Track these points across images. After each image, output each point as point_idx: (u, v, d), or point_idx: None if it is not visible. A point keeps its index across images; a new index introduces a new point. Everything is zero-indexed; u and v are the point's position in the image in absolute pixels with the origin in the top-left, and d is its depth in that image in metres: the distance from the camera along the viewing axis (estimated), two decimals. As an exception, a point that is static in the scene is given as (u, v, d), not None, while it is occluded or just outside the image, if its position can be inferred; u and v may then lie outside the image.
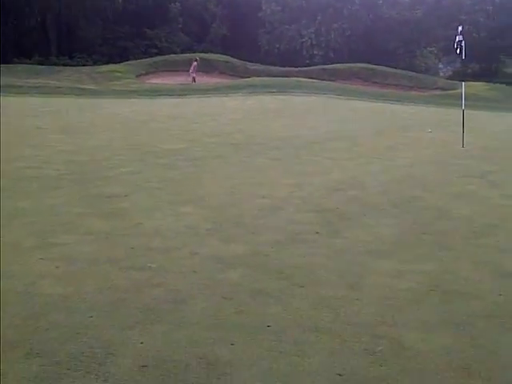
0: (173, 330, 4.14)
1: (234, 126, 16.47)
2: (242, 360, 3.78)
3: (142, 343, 3.93)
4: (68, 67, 39.50)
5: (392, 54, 49.05)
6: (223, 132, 15.15)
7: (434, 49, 50.85)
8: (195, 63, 35.55)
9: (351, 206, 7.93)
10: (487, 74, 44.92)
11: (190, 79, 34.71)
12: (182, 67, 38.20)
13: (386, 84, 38.90)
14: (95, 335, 4.00)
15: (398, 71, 41.86)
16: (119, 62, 40.93)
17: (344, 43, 48.69)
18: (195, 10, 50.49)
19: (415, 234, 6.69)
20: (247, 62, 43.54)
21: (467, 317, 4.50)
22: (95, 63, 42.69)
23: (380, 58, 46.03)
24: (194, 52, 43.20)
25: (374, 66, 41.87)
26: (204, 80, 35.11)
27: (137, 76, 37.23)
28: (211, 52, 44.99)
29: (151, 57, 43.65)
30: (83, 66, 40.95)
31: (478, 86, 33.23)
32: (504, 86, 36.36)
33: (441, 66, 53.40)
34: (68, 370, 3.59)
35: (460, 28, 14.19)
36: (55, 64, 41.56)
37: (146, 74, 38.96)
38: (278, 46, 49.86)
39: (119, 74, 36.13)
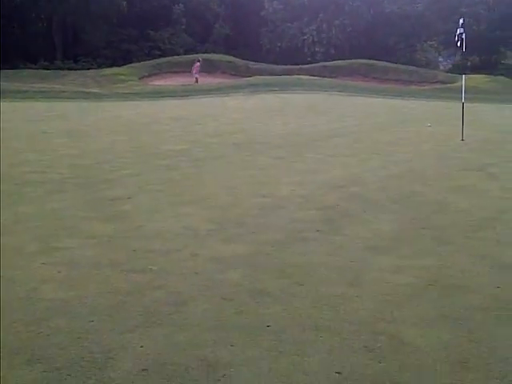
0: (173, 332, 4.17)
1: (236, 126, 16.52)
2: (242, 361, 3.80)
3: (142, 347, 3.95)
4: (73, 71, 39.79)
5: (393, 49, 49.07)
6: (225, 132, 15.20)
7: (434, 42, 50.87)
8: (198, 64, 35.64)
9: (352, 202, 7.95)
10: (487, 66, 44.84)
11: (193, 80, 34.78)
12: (185, 68, 38.36)
13: (386, 79, 38.93)
14: (96, 340, 4.04)
15: (398, 66, 41.90)
16: (123, 65, 41.19)
17: (345, 39, 48.69)
18: (198, 11, 50.63)
19: (414, 229, 6.71)
20: (249, 62, 43.66)
21: (465, 310, 4.52)
22: (99, 66, 42.93)
23: (381, 54, 46.08)
24: (196, 53, 43.40)
25: (374, 62, 41.90)
26: (207, 80, 35.20)
27: (140, 78, 37.39)
28: (214, 52, 45.17)
29: (154, 58, 43.82)
30: (88, 69, 41.20)
31: (478, 79, 33.19)
32: (504, 77, 36.28)
33: (441, 59, 53.35)
34: (68, 375, 3.62)
35: (461, 21, 14.20)
36: (60, 68, 41.85)
37: (149, 75, 39.12)
38: (279, 44, 49.93)
39: (123, 77, 36.30)
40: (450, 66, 50.46)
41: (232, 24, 52.03)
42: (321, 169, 10.39)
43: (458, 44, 14.18)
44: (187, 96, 27.62)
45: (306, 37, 49.26)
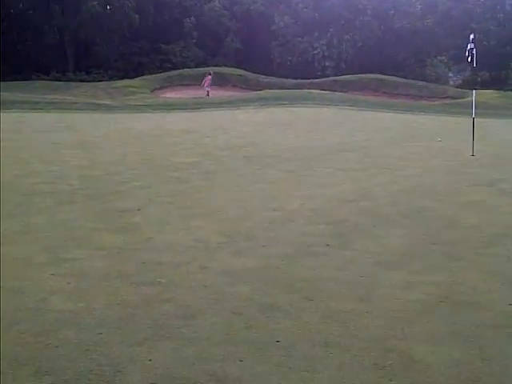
0: (182, 346, 4.14)
1: (246, 139, 16.54)
2: (251, 376, 3.77)
3: (150, 360, 3.93)
4: (84, 83, 40.09)
5: (403, 64, 49.20)
6: (235, 145, 15.22)
7: (444, 58, 50.93)
8: (209, 77, 35.78)
9: (362, 217, 7.92)
10: (497, 81, 44.77)
11: (205, 93, 34.92)
12: (196, 81, 38.52)
13: (396, 94, 38.94)
14: (104, 352, 4.02)
15: (408, 81, 41.95)
16: (135, 77, 41.43)
17: (355, 54, 48.78)
18: (209, 25, 50.94)
19: (425, 245, 6.66)
20: (260, 75, 43.82)
21: (476, 328, 4.47)
22: (111, 78, 43.23)
23: (391, 69, 46.19)
24: (207, 66, 43.61)
25: (384, 77, 41.94)
26: (217, 93, 35.32)
27: (151, 90, 37.57)
28: (225, 66, 45.32)
29: (166, 71, 44.06)
30: (99, 81, 41.49)
31: (488, 94, 33.12)
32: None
33: (451, 74, 53.32)
34: (76, 388, 3.61)
35: (472, 36, 14.20)
36: (72, 80, 42.20)
37: (161, 88, 39.31)
38: (290, 58, 50.09)
39: (134, 89, 36.48)
40: (460, 81, 50.42)
41: (243, 38, 52.29)
42: (331, 183, 10.37)
43: (469, 59, 14.17)
44: (198, 109, 27.71)
45: (316, 51, 49.40)
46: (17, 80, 38.96)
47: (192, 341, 4.22)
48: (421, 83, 42.01)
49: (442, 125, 22.56)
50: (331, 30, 49.10)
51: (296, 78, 43.06)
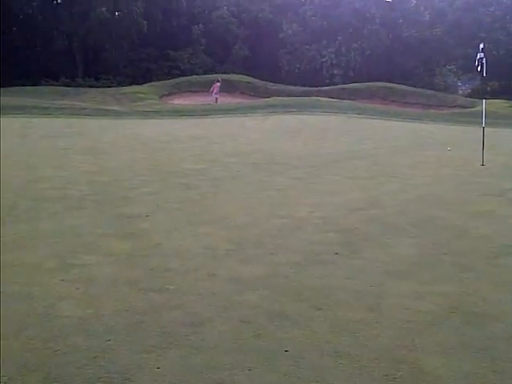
0: (190, 354, 4.13)
1: (254, 146, 16.53)
2: (259, 386, 3.76)
3: (158, 368, 3.91)
4: (93, 88, 40.22)
5: (411, 73, 49.17)
6: (243, 152, 15.21)
7: (453, 67, 50.82)
8: (218, 84, 35.85)
9: (371, 225, 7.88)
10: (507, 91, 44.56)
11: (213, 100, 34.98)
12: (204, 88, 38.59)
13: (404, 102, 38.86)
14: (112, 359, 4.00)
15: (417, 90, 41.86)
16: (143, 84, 41.53)
17: (364, 63, 48.79)
18: (217, 32, 51.09)
19: (435, 255, 6.62)
20: (268, 82, 43.87)
21: (487, 339, 4.43)
22: (120, 84, 43.36)
23: (399, 77, 46.17)
24: (215, 73, 43.71)
25: (392, 85, 41.90)
26: (226, 100, 35.39)
27: (160, 97, 37.65)
28: (233, 73, 45.41)
29: (174, 78, 44.19)
30: (108, 87, 41.60)
31: (498, 104, 33.01)
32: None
33: (460, 84, 53.17)
34: (84, 395, 3.60)
35: (481, 45, 14.17)
36: (81, 85, 42.35)
37: (169, 94, 39.40)
38: (298, 65, 50.16)
39: (142, 95, 36.56)
40: (469, 90, 50.30)
41: (251, 45, 52.42)
42: (339, 191, 10.33)
43: (479, 69, 14.13)
44: (206, 115, 27.74)
45: (324, 59, 49.45)
46: (26, 85, 39.14)
47: (200, 349, 4.20)
48: (429, 92, 41.94)
49: (451, 134, 22.49)
50: (339, 38, 49.16)
51: (304, 86, 43.09)
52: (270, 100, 33.90)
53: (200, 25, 50.44)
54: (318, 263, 6.22)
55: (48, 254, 6.30)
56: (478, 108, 26.60)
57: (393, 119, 27.73)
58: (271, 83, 43.92)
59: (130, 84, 42.84)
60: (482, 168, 13.20)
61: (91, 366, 3.90)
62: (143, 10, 47.27)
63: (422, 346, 4.32)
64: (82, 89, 39.59)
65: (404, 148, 17.02)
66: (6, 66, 44.11)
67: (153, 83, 41.67)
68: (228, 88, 38.80)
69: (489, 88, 45.33)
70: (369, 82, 42.69)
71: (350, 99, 36.72)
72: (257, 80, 44.19)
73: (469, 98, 41.17)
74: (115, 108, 30.41)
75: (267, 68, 51.23)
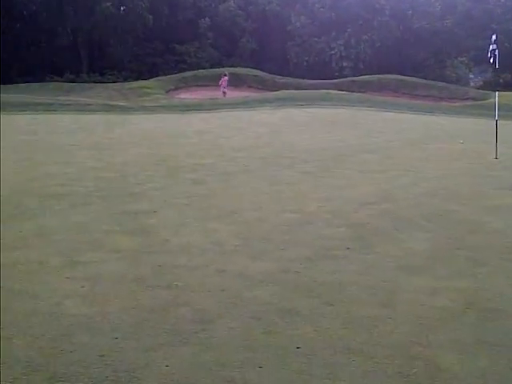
0: (199, 351, 4.03)
1: (263, 140, 16.41)
2: (271, 383, 3.65)
3: (167, 366, 3.82)
4: (99, 84, 40.11)
5: (422, 65, 48.84)
6: (251, 146, 15.08)
7: (464, 59, 50.48)
8: (226, 78, 35.69)
9: (382, 220, 7.74)
10: (519, 83, 44.26)
11: (220, 94, 34.85)
12: (211, 82, 38.44)
13: (416, 95, 38.51)
14: (119, 358, 3.91)
15: (428, 82, 41.50)
16: (149, 78, 41.44)
17: (374, 55, 48.49)
18: (224, 25, 50.90)
19: (449, 249, 6.49)
20: (276, 76, 43.66)
21: (504, 336, 4.33)
22: (125, 80, 43.28)
23: (410, 69, 45.86)
24: (223, 66, 43.52)
25: (403, 77, 41.57)
26: (233, 94, 35.20)
27: (166, 91, 37.52)
28: (240, 66, 45.23)
29: (181, 72, 44.05)
30: (114, 82, 41.51)
31: (511, 96, 32.65)
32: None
33: (471, 76, 52.87)
34: (91, 395, 3.50)
35: (494, 37, 13.97)
36: (86, 81, 42.33)
37: (176, 89, 39.26)
38: (307, 58, 49.90)
39: (149, 90, 36.44)
40: (481, 82, 49.97)
41: (258, 38, 52.21)
42: (350, 184, 10.20)
43: (491, 60, 13.93)
44: (213, 109, 27.58)
45: (333, 51, 49.17)
46: (31, 82, 39.14)
47: (210, 346, 4.12)
48: (441, 84, 41.58)
49: (463, 126, 22.24)
50: (349, 30, 48.85)
51: (313, 79, 42.82)
52: (279, 93, 33.69)
53: (206, 18, 50.24)
54: (328, 258, 6.11)
55: (53, 252, 6.22)
56: (490, 100, 26.35)
57: (404, 112, 27.48)
58: (279, 76, 43.70)
59: (136, 79, 42.74)
60: (495, 161, 13.01)
61: (98, 365, 3.82)
62: (148, 4, 47.15)
63: (437, 343, 4.22)
64: (87, 84, 39.56)
65: (416, 141, 16.82)
66: (10, 62, 44.21)
67: (159, 78, 41.56)
68: (235, 82, 38.62)
69: (501, 80, 44.97)
70: (379, 74, 42.36)
71: (360, 92, 36.41)
72: (264, 73, 44.00)
73: (481, 90, 40.86)
74: (121, 103, 30.31)
75: (275, 61, 51.03)
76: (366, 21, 48.56)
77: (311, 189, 9.87)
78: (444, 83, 42.37)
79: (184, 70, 44.91)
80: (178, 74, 42.87)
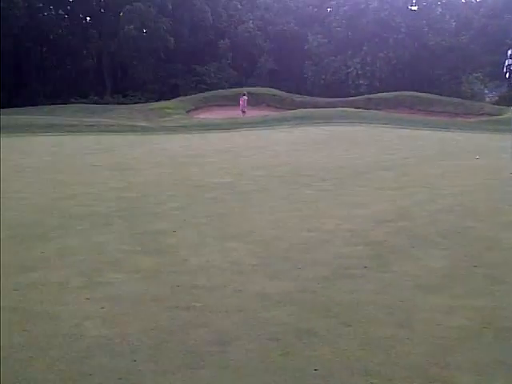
0: (217, 374, 4.05)
1: (281, 158, 16.49)
2: (288, 405, 3.68)
3: (185, 389, 3.86)
4: (121, 105, 40.67)
5: (438, 81, 48.76)
6: (270, 164, 15.16)
7: (479, 74, 50.27)
8: (245, 97, 35.98)
9: (399, 237, 7.73)
10: (535, 99, 43.89)
11: (240, 113, 35.12)
12: (230, 102, 38.77)
13: (431, 111, 38.43)
14: (138, 380, 3.95)
15: (444, 98, 41.40)
16: (170, 99, 41.89)
17: (390, 72, 48.56)
18: (243, 46, 51.43)
19: (466, 267, 6.44)
20: (294, 94, 43.91)
21: (523, 357, 4.28)
22: (147, 100, 43.83)
23: (426, 86, 45.73)
24: (242, 86, 43.86)
25: (419, 94, 41.52)
26: (252, 113, 35.43)
27: (187, 112, 37.89)
28: (259, 86, 45.54)
29: (201, 92, 44.49)
30: (136, 103, 42.05)
31: (526, 111, 32.43)
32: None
33: (487, 91, 52.55)
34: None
35: (509, 52, 13.95)
36: (109, 102, 42.98)
37: (196, 109, 39.63)
38: (323, 77, 50.15)
39: (170, 111, 36.83)
40: (497, 98, 49.65)
41: (277, 58, 52.60)
42: (367, 202, 10.18)
43: (507, 75, 13.91)
44: (233, 129, 27.78)
45: (350, 69, 49.34)
46: (56, 104, 39.79)
47: (227, 368, 4.13)
48: (456, 100, 41.47)
49: (478, 142, 22.13)
50: (365, 48, 49.02)
51: (330, 97, 42.94)
52: (296, 112, 33.84)
53: (226, 39, 50.87)
54: (346, 277, 6.11)
55: (74, 272, 6.30)
56: (506, 115, 26.21)
57: (420, 128, 27.41)
58: (297, 95, 43.94)
59: (158, 100, 43.28)
60: (512, 177, 12.93)
61: (117, 388, 3.86)
62: (170, 26, 47.84)
63: (455, 363, 4.19)
64: (110, 106, 40.12)
65: (432, 157, 16.77)
66: (36, 84, 45.08)
67: (180, 98, 42.03)
68: (254, 101, 38.89)
69: (516, 95, 44.65)
70: (395, 91, 42.36)
71: (376, 109, 36.46)
72: (282, 92, 44.25)
73: (496, 106, 40.64)
74: (143, 124, 30.66)
75: (293, 80, 51.34)
76: (382, 39, 48.70)
77: (329, 207, 9.88)
78: (459, 99, 42.27)
79: (204, 90, 45.42)
80: (198, 95, 43.36)
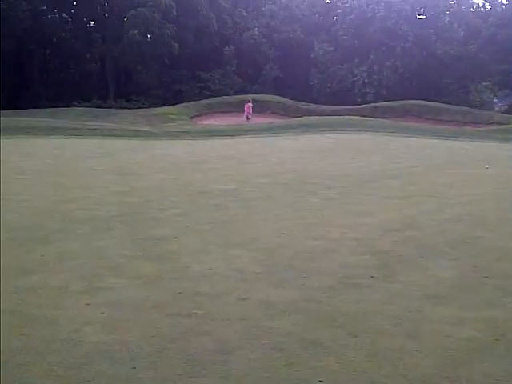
0: (218, 383, 3.92)
1: (286, 166, 16.36)
2: (291, 418, 3.55)
3: (185, 398, 3.73)
4: (125, 110, 40.67)
5: (446, 90, 48.70)
6: (274, 172, 15.02)
7: (488, 83, 50.24)
8: (250, 104, 35.95)
9: (407, 247, 7.58)
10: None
11: (245, 120, 35.08)
12: (234, 108, 38.73)
13: (439, 120, 38.26)
14: (137, 389, 3.83)
15: (452, 107, 41.27)
16: (174, 105, 41.88)
17: (397, 81, 48.51)
18: (248, 53, 51.51)
19: (475, 277, 6.31)
20: (299, 102, 43.85)
21: (536, 370, 4.14)
22: (151, 106, 43.84)
23: (434, 95, 45.66)
24: (246, 93, 43.86)
25: (427, 103, 41.40)
26: (257, 120, 35.36)
27: (190, 118, 37.85)
28: (264, 93, 45.54)
29: (205, 98, 44.51)
30: (139, 108, 42.06)
31: (536, 120, 32.36)
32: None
33: (496, 100, 52.50)
34: (107, 427, 3.41)
35: (519, 61, 13.85)
36: (112, 107, 42.99)
37: (200, 115, 39.59)
38: (329, 85, 50.14)
39: (173, 116, 36.79)
40: (506, 106, 49.60)
41: (282, 65, 52.66)
42: (373, 211, 10.04)
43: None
44: (237, 135, 27.66)
45: (356, 78, 49.33)
46: (59, 107, 39.81)
47: (229, 378, 4.01)
48: (465, 109, 41.34)
49: (487, 151, 21.98)
50: (372, 56, 49.02)
51: (336, 105, 42.89)
52: (302, 119, 33.71)
53: (231, 46, 50.97)
54: (352, 287, 5.97)
55: (74, 277, 6.18)
56: (516, 125, 26.04)
57: (428, 137, 27.26)
58: (302, 103, 43.88)
59: (161, 105, 43.30)
60: (522, 186, 12.79)
61: (114, 397, 3.73)
62: (174, 32, 47.92)
63: (466, 377, 4.06)
64: (113, 110, 40.12)
65: (440, 166, 16.63)
66: (39, 87, 45.14)
67: (184, 104, 42.02)
68: (259, 108, 38.83)
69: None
70: (402, 100, 42.25)
71: (383, 118, 36.33)
72: (288, 100, 44.21)
73: (505, 115, 40.55)
74: (146, 129, 30.56)
75: (298, 88, 51.36)
76: (389, 47, 48.70)
77: (334, 215, 9.73)
78: (468, 108, 42.14)
79: (208, 97, 45.46)
80: (202, 101, 43.38)
